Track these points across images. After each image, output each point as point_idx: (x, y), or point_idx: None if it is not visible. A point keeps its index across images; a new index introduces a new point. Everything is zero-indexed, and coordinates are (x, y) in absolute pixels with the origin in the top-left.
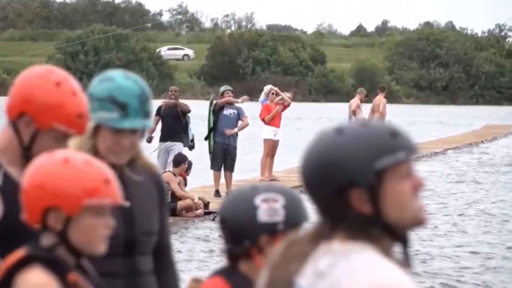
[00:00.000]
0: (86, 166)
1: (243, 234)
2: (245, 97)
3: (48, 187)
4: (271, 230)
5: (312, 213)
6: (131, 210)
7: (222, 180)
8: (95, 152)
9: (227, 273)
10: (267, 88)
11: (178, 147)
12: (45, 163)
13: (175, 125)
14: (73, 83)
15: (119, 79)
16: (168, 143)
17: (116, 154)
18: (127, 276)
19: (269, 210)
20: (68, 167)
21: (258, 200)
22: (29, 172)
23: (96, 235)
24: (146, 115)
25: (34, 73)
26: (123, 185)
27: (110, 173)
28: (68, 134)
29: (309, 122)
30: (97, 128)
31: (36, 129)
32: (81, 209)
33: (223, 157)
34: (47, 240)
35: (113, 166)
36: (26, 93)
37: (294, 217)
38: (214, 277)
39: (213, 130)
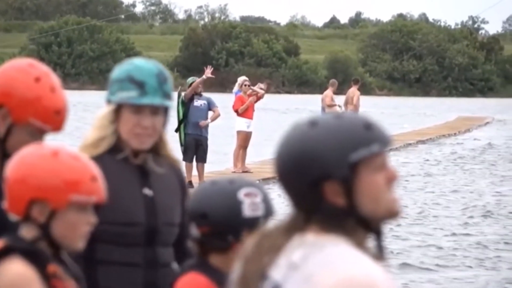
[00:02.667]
0: (74, 161)
1: (227, 229)
2: (208, 71)
3: (36, 179)
4: (253, 225)
5: (285, 205)
6: (152, 199)
7: (194, 171)
8: (117, 137)
9: (203, 268)
10: (241, 79)
11: None
12: (35, 155)
13: None
14: (54, 79)
15: (138, 61)
16: None
17: (138, 137)
18: (147, 267)
19: (252, 205)
20: (57, 160)
21: (241, 195)
22: (16, 163)
23: (78, 231)
24: (166, 95)
25: (15, 67)
26: (146, 175)
27: (96, 170)
28: (43, 130)
29: (282, 114)
30: (118, 112)
31: (12, 123)
32: (67, 203)
33: (195, 148)
34: (27, 231)
35: (136, 153)
36: (4, 86)
37: (270, 211)
38: (192, 273)
39: (183, 122)
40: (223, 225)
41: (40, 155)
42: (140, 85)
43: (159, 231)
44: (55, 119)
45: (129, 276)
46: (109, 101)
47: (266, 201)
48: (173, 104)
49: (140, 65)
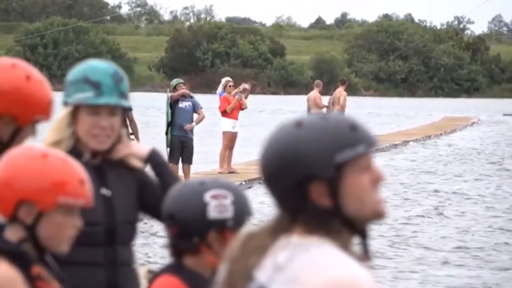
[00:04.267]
0: (63, 163)
1: (192, 230)
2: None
3: (24, 180)
4: (220, 227)
5: (271, 206)
6: (110, 199)
7: (180, 172)
8: (76, 139)
9: (176, 270)
10: (224, 80)
11: None
12: (24, 156)
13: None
14: (41, 76)
15: (92, 62)
16: None
17: (96, 138)
18: (108, 266)
19: (218, 206)
20: (46, 162)
21: (207, 197)
22: (5, 164)
23: (64, 233)
24: (122, 94)
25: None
26: (103, 175)
27: (84, 174)
28: (37, 121)
29: (268, 115)
30: (75, 114)
31: (18, 126)
32: (55, 206)
33: (181, 149)
34: (12, 233)
35: (95, 153)
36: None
37: (242, 214)
38: (165, 276)
39: (171, 124)
40: (188, 226)
41: (29, 156)
42: (96, 86)
43: (118, 230)
44: (48, 108)
45: (92, 276)
46: (65, 103)
47: (238, 203)
48: (127, 105)
49: (95, 65)
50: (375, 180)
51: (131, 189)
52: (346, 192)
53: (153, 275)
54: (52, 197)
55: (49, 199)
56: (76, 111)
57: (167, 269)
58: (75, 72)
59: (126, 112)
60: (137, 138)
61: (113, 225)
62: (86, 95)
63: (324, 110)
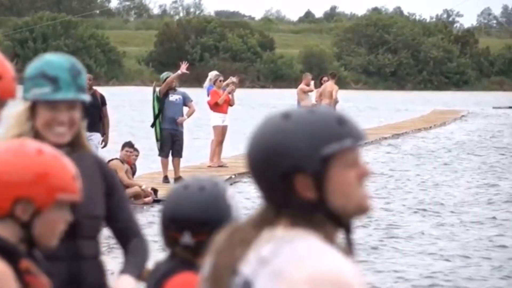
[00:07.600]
0: (58, 159)
1: None
2: (184, 66)
3: (21, 177)
4: None
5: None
6: None
7: (170, 166)
8: (35, 134)
9: (192, 268)
10: (212, 74)
11: (97, 138)
12: (19, 153)
13: (94, 114)
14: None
15: (49, 56)
16: (87, 133)
17: (55, 132)
18: (69, 260)
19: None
20: (42, 159)
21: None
22: (1, 160)
23: (57, 229)
24: (80, 88)
25: None
26: None
27: (75, 169)
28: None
29: (257, 108)
30: (33, 109)
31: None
32: (53, 202)
33: (171, 143)
34: (4, 229)
35: (55, 147)
36: None
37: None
38: (184, 273)
39: (158, 117)
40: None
41: (24, 153)
42: (53, 81)
43: (80, 224)
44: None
45: (52, 270)
46: (24, 99)
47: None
48: (86, 99)
49: (51, 60)
50: (361, 174)
51: (96, 183)
52: (332, 185)
53: (164, 273)
54: (50, 194)
55: (47, 196)
56: (34, 106)
57: (182, 267)
58: (33, 67)
59: (101, 107)
60: (107, 133)
61: (75, 219)
62: (43, 91)
63: (311, 96)
